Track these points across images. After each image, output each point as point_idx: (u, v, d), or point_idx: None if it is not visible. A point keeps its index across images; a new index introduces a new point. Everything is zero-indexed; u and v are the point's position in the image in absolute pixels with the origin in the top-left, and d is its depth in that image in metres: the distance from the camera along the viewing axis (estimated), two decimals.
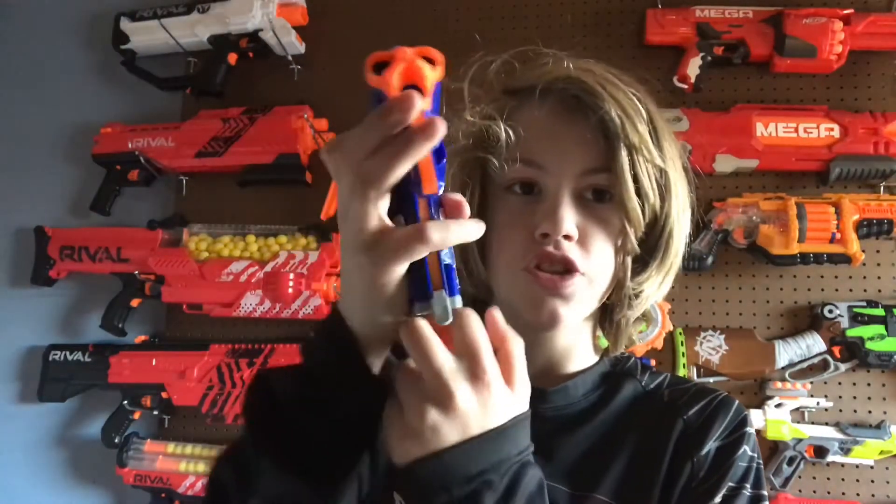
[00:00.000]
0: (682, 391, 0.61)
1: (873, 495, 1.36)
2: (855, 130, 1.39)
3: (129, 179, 1.71)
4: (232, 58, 1.67)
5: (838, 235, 1.35)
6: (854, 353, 1.37)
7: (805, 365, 1.39)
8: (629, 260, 0.56)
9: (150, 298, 1.65)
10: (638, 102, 0.55)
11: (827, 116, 1.42)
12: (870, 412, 1.38)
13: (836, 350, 1.38)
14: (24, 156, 1.85)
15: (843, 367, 1.38)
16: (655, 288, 0.58)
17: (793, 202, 1.38)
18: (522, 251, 0.54)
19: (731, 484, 0.55)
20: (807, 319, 1.43)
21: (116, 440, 1.59)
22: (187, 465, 1.53)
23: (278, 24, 1.62)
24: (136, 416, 1.62)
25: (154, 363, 1.59)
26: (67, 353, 1.67)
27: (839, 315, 1.38)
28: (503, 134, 0.55)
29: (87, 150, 1.73)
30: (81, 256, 1.68)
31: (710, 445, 0.57)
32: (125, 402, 1.60)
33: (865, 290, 1.42)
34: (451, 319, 0.41)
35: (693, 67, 1.47)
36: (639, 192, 0.54)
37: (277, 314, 1.55)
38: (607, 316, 0.61)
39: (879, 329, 1.36)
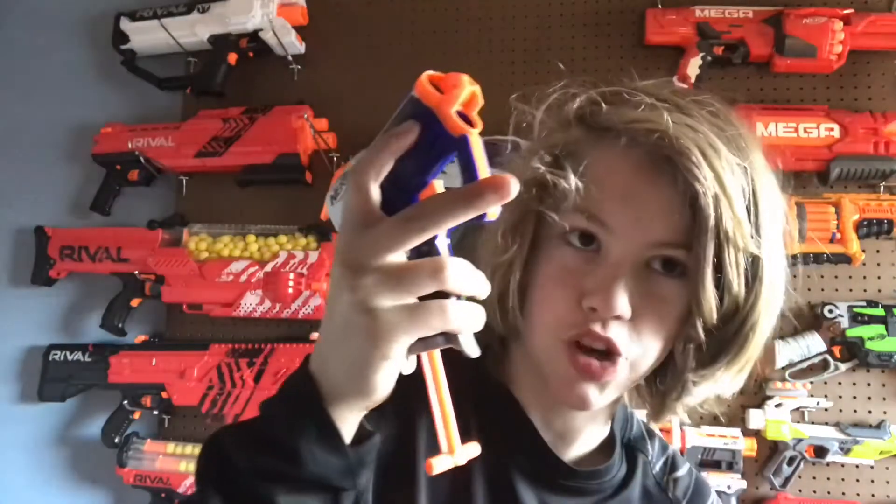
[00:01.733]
0: (683, 487, 0.62)
1: (873, 495, 1.36)
2: (855, 130, 1.39)
3: (129, 179, 1.71)
4: (232, 58, 1.67)
5: (838, 235, 1.35)
6: (854, 353, 1.37)
7: (805, 365, 1.39)
8: (691, 348, 0.48)
9: (150, 298, 1.65)
10: (744, 176, 0.46)
11: (827, 116, 1.42)
12: (870, 412, 1.38)
13: (836, 350, 1.38)
14: (24, 156, 1.85)
15: (843, 367, 1.37)
16: (724, 384, 0.52)
17: (793, 202, 1.38)
18: (566, 318, 0.47)
19: None
20: (807, 319, 1.43)
21: (116, 440, 1.59)
22: (187, 465, 1.53)
23: (278, 24, 1.62)
24: (136, 416, 1.62)
25: (154, 363, 1.59)
26: (67, 353, 1.67)
27: (839, 315, 1.38)
28: (572, 188, 0.46)
29: (87, 150, 1.73)
30: (81, 256, 1.68)
31: None
32: (125, 402, 1.60)
33: (865, 290, 1.41)
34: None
35: (693, 67, 1.47)
36: (719, 280, 0.45)
37: (277, 314, 1.55)
38: (654, 389, 0.54)
39: (879, 329, 1.36)
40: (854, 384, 1.39)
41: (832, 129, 1.40)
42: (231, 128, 1.63)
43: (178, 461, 1.54)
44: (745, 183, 0.46)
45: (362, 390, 0.36)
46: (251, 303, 1.55)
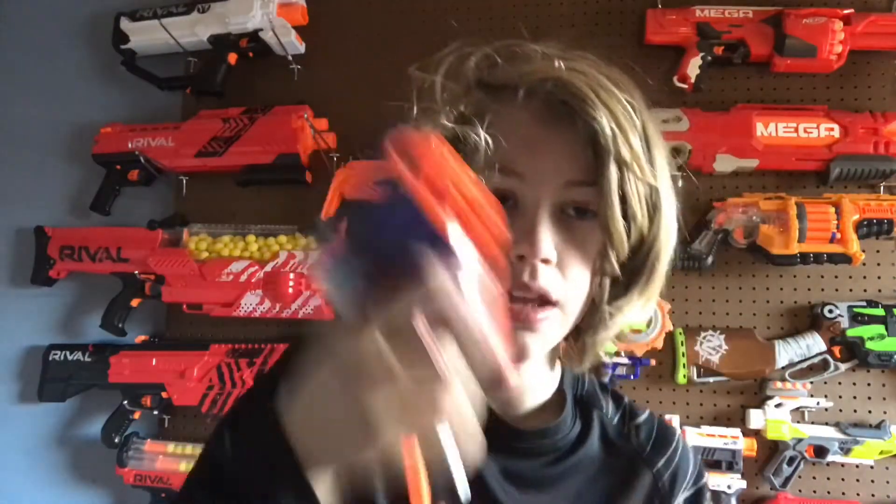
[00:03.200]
0: (645, 433, 0.62)
1: (873, 495, 1.36)
2: (855, 130, 1.39)
3: (129, 179, 1.71)
4: (232, 58, 1.67)
5: (838, 235, 1.35)
6: (854, 353, 1.37)
7: (805, 365, 1.39)
8: (607, 282, 0.51)
9: (150, 298, 1.65)
10: (633, 112, 0.49)
11: (827, 116, 1.42)
12: (870, 412, 1.38)
13: (836, 350, 1.38)
14: (24, 156, 1.85)
15: (843, 367, 1.38)
16: (636, 312, 0.54)
17: (793, 202, 1.38)
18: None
19: None
20: (807, 319, 1.43)
21: (116, 440, 1.59)
22: (187, 465, 1.53)
23: (278, 23, 1.62)
24: (136, 416, 1.62)
25: (154, 363, 1.59)
26: (67, 353, 1.67)
27: (839, 315, 1.38)
28: (482, 142, 0.49)
29: (87, 150, 1.73)
30: (81, 256, 1.68)
31: (679, 498, 0.59)
32: (125, 402, 1.60)
33: (865, 290, 1.42)
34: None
35: (693, 67, 1.47)
36: (625, 212, 0.48)
37: (277, 314, 1.55)
38: (575, 335, 0.56)
39: (879, 329, 1.36)
40: (854, 384, 1.39)
41: (832, 129, 1.40)
42: (231, 128, 1.63)
43: (178, 461, 1.54)
44: (635, 118, 0.49)
45: (347, 463, 0.37)
46: (251, 303, 1.55)
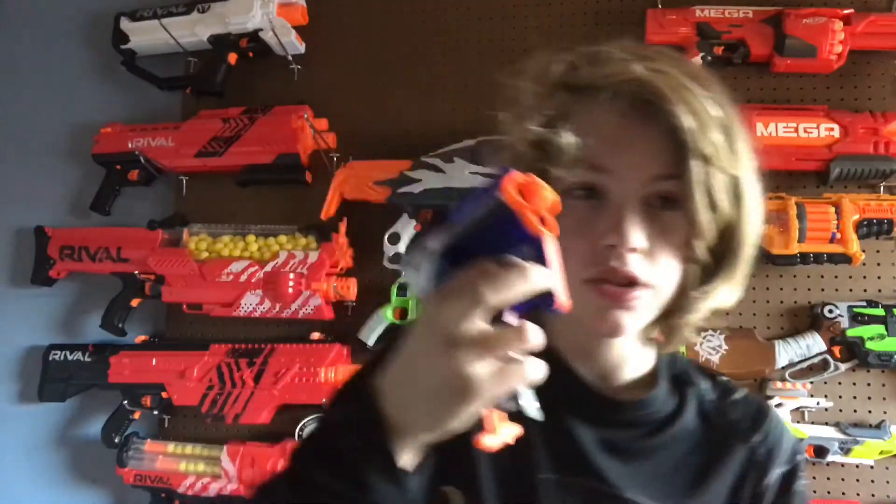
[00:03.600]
0: (742, 408, 0.64)
1: (873, 495, 1.36)
2: (855, 130, 1.39)
3: (129, 179, 1.71)
4: (232, 58, 1.67)
5: (838, 235, 1.35)
6: (854, 353, 1.37)
7: (805, 365, 1.39)
8: (696, 268, 0.54)
9: (150, 298, 1.65)
10: (714, 107, 0.51)
11: (827, 116, 1.41)
12: (870, 412, 1.38)
13: (836, 350, 1.38)
14: (24, 156, 1.85)
15: (843, 367, 1.37)
16: (723, 296, 0.57)
17: (793, 202, 1.38)
18: (586, 262, 0.52)
19: None
20: (807, 319, 1.42)
21: (116, 440, 1.59)
22: (187, 465, 1.53)
23: (278, 23, 1.62)
24: (136, 416, 1.62)
25: (154, 363, 1.59)
26: (67, 353, 1.67)
27: (839, 315, 1.38)
28: (569, 142, 0.52)
29: (87, 150, 1.73)
30: (81, 256, 1.68)
31: (775, 472, 0.61)
32: (125, 402, 1.60)
33: (865, 290, 1.42)
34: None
35: None
36: (709, 202, 0.51)
37: (277, 314, 1.55)
38: (664, 317, 0.59)
39: (879, 329, 1.36)
40: (854, 384, 1.39)
41: (832, 129, 1.40)
42: (231, 128, 1.63)
43: (178, 461, 1.54)
44: (716, 112, 0.51)
45: (441, 432, 0.41)
46: (251, 303, 1.55)
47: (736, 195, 0.52)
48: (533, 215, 0.38)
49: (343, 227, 1.55)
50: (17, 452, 1.73)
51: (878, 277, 1.42)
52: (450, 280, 0.40)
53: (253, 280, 1.55)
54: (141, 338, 1.65)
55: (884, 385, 1.38)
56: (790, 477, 0.62)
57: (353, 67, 1.69)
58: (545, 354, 0.54)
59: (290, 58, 1.68)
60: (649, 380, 0.63)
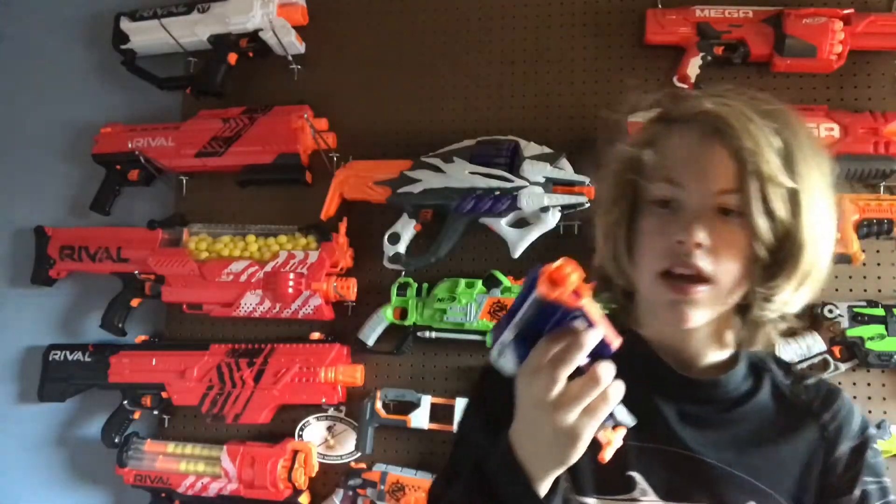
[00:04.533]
0: (814, 391, 0.72)
1: None
2: (855, 130, 1.39)
3: (129, 179, 1.72)
4: (232, 58, 1.67)
5: (838, 235, 1.35)
6: (854, 353, 1.37)
7: (805, 365, 1.39)
8: (758, 267, 0.63)
9: (150, 298, 1.65)
10: (772, 134, 0.61)
11: (827, 116, 1.41)
12: (870, 412, 1.38)
13: (836, 350, 1.38)
14: (24, 156, 1.86)
15: (843, 367, 1.37)
16: (790, 294, 0.65)
17: None
18: (661, 256, 0.63)
19: (866, 479, 0.67)
20: (807, 319, 1.42)
21: (116, 440, 1.59)
22: (187, 464, 1.53)
23: (278, 23, 1.62)
24: (136, 415, 1.62)
25: (154, 363, 1.59)
26: (67, 353, 1.67)
27: (839, 315, 1.38)
28: (651, 161, 0.65)
29: (87, 150, 1.74)
30: (81, 256, 1.68)
31: (844, 446, 0.68)
32: (125, 401, 1.61)
33: (865, 290, 1.41)
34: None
35: (693, 67, 1.47)
36: (765, 210, 0.60)
37: (277, 314, 1.55)
38: (742, 314, 0.68)
39: (879, 329, 1.36)
40: (854, 384, 1.39)
41: (832, 129, 1.40)
42: (231, 128, 1.63)
43: (178, 461, 1.54)
44: (773, 138, 0.61)
45: (565, 465, 0.55)
46: (251, 303, 1.55)
47: (794, 205, 0.61)
48: (569, 296, 0.50)
49: (343, 227, 1.55)
50: (18, 452, 1.74)
51: (878, 277, 1.42)
52: (528, 361, 0.54)
53: (253, 280, 1.55)
54: (141, 338, 1.65)
55: (884, 385, 1.38)
56: (860, 449, 0.68)
57: (353, 67, 1.69)
58: (635, 344, 0.71)
59: (290, 58, 1.68)
60: (728, 364, 0.71)
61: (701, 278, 0.62)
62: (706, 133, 0.63)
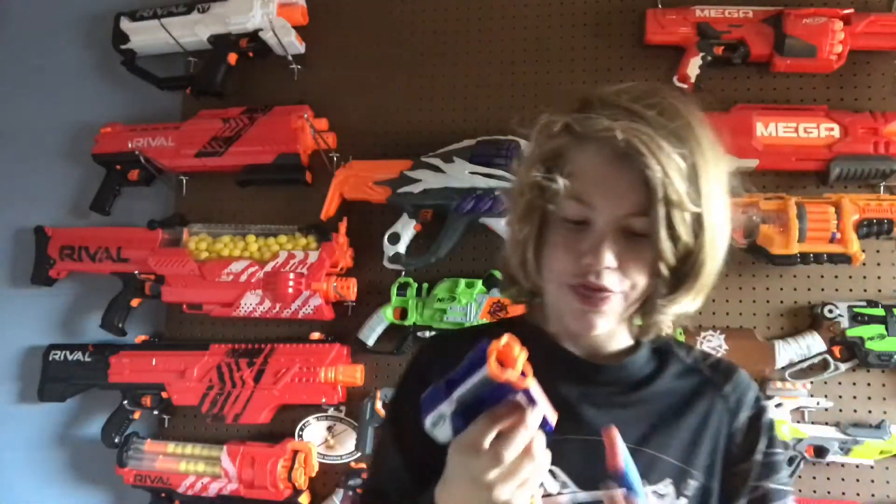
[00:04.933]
0: (715, 367, 0.77)
1: (873, 495, 1.36)
2: (855, 130, 1.39)
3: (129, 179, 1.72)
4: (232, 58, 1.67)
5: (838, 235, 1.35)
6: (854, 352, 1.37)
7: (805, 365, 1.39)
8: (659, 282, 0.66)
9: (150, 298, 1.65)
10: (679, 158, 0.62)
11: (827, 116, 1.41)
12: (870, 412, 1.38)
13: (836, 350, 1.38)
14: (24, 156, 1.86)
15: (843, 366, 1.37)
16: (688, 303, 0.69)
17: (793, 202, 1.38)
18: (569, 271, 0.66)
19: (762, 447, 0.72)
20: (807, 319, 1.42)
21: (116, 440, 1.59)
22: (187, 464, 1.53)
23: (278, 23, 1.62)
24: (136, 415, 1.62)
25: (154, 363, 1.59)
26: (67, 352, 1.67)
27: (839, 315, 1.38)
28: (561, 188, 0.65)
29: (87, 150, 1.74)
30: (81, 256, 1.68)
31: (743, 416, 0.73)
32: (125, 401, 1.61)
33: (865, 290, 1.42)
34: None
35: (693, 67, 1.47)
36: (670, 235, 0.63)
37: (277, 314, 1.55)
38: (642, 313, 0.72)
39: (879, 329, 1.36)
40: (854, 384, 1.39)
41: (832, 129, 1.40)
42: (231, 128, 1.63)
43: (178, 461, 1.54)
44: (682, 164, 0.62)
45: None
46: (251, 303, 1.55)
47: (698, 227, 0.64)
48: (518, 378, 0.52)
49: (343, 227, 1.55)
50: (18, 452, 1.74)
51: (878, 277, 1.42)
52: (468, 436, 0.55)
53: (253, 280, 1.55)
54: (141, 338, 1.65)
55: (884, 385, 1.38)
56: (756, 417, 0.73)
57: (353, 67, 1.69)
58: (538, 337, 0.74)
59: (290, 58, 1.68)
60: (632, 350, 0.76)
61: (607, 292, 0.65)
62: (617, 154, 0.63)
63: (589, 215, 0.65)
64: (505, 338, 0.53)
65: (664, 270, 0.64)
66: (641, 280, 0.66)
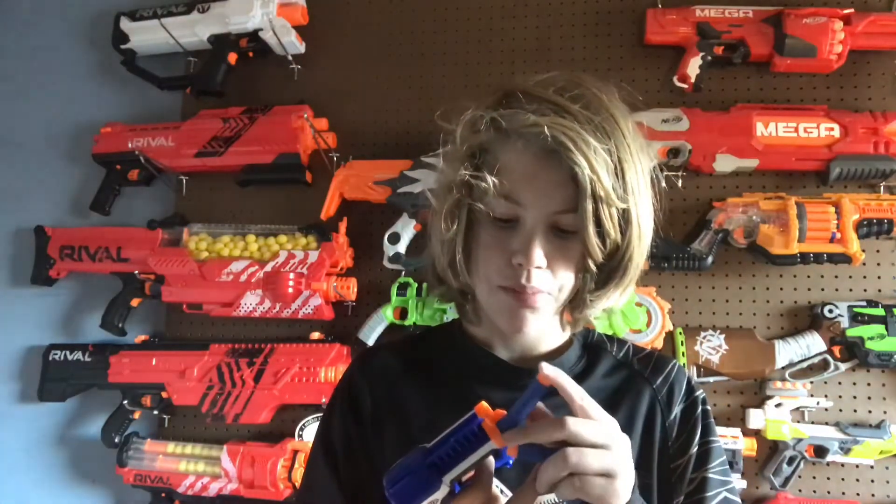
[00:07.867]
0: (646, 360, 0.77)
1: (873, 495, 1.36)
2: (855, 130, 1.39)
3: (129, 179, 1.72)
4: (232, 57, 1.67)
5: (838, 235, 1.35)
6: (854, 352, 1.37)
7: (805, 365, 1.39)
8: (588, 277, 0.66)
9: (150, 298, 1.65)
10: (606, 153, 0.61)
11: (827, 116, 1.42)
12: (870, 412, 1.38)
13: (836, 350, 1.38)
14: (24, 156, 1.86)
15: (843, 366, 1.38)
16: (614, 299, 0.69)
17: (793, 202, 1.38)
18: (500, 272, 0.66)
19: (699, 439, 0.71)
20: (807, 319, 1.43)
21: (116, 440, 1.59)
22: (187, 464, 1.53)
23: (278, 23, 1.62)
24: (136, 415, 1.62)
25: (154, 363, 1.59)
26: (67, 352, 1.67)
27: (839, 315, 1.38)
28: (490, 186, 0.64)
29: (87, 150, 1.74)
30: (81, 256, 1.68)
31: (676, 409, 0.73)
32: (125, 401, 1.61)
33: (865, 290, 1.42)
34: None
35: (693, 67, 1.47)
36: (598, 232, 0.63)
37: (277, 314, 1.55)
38: (571, 307, 0.72)
39: (879, 329, 1.36)
40: (854, 384, 1.40)
41: (832, 129, 1.40)
42: (231, 128, 1.63)
43: (178, 461, 1.54)
44: (609, 160, 0.62)
45: None
46: (251, 303, 1.55)
47: (624, 222, 0.64)
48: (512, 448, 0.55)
49: (343, 227, 1.55)
50: (18, 452, 1.74)
51: (878, 277, 1.42)
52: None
53: (253, 280, 1.55)
54: (141, 338, 1.65)
55: (884, 385, 1.39)
56: (689, 409, 0.73)
57: (353, 67, 1.69)
58: (463, 343, 0.77)
59: (290, 58, 1.68)
60: (564, 349, 0.76)
61: (538, 292, 0.65)
62: (544, 151, 0.62)
63: (518, 213, 0.64)
64: (485, 404, 0.55)
65: (593, 266, 0.64)
66: (570, 278, 0.66)
